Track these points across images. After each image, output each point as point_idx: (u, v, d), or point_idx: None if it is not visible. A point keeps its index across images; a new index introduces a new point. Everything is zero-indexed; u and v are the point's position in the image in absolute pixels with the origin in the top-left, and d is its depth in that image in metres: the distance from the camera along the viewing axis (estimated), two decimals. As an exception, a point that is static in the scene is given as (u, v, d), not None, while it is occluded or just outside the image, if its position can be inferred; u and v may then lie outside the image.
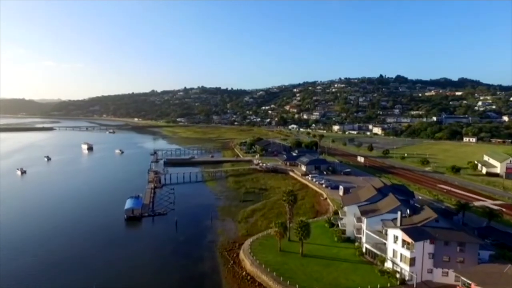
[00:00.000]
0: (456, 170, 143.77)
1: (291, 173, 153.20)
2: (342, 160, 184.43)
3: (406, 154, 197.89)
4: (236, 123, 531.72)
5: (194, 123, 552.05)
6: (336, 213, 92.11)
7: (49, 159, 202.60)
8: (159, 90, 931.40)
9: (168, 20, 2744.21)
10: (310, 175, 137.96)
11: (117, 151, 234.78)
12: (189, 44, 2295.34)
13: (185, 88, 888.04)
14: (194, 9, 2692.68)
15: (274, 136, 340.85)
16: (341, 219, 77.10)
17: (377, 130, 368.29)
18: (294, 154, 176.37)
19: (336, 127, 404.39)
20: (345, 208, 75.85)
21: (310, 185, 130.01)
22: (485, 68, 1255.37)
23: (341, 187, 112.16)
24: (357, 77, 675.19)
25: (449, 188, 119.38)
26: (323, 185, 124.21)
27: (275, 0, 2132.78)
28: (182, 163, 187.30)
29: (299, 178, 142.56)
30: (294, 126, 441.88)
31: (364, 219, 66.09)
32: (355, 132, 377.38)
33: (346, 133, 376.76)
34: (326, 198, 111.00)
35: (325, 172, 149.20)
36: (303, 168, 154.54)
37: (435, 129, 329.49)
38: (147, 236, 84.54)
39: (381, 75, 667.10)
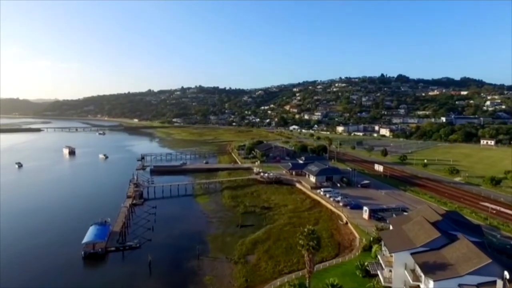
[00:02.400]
0: (496, 182, 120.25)
1: (298, 185, 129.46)
2: (355, 167, 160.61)
3: (425, 161, 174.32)
4: (234, 123, 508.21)
5: (190, 124, 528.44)
6: (366, 249, 68.60)
7: (20, 166, 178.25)
8: (156, 89, 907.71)
9: (167, 19, 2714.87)
10: (322, 189, 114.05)
11: (101, 156, 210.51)
12: (187, 43, 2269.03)
13: (182, 87, 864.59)
14: (193, 8, 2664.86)
15: (274, 138, 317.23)
16: (382, 268, 53.44)
17: (384, 131, 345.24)
18: (301, 162, 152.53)
19: (340, 128, 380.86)
20: (387, 251, 52.15)
21: (323, 202, 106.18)
22: (486, 68, 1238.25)
23: (365, 208, 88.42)
24: (358, 76, 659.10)
25: (497, 207, 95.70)
26: (340, 203, 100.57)
27: (274, 0, 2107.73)
28: (171, 171, 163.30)
29: (309, 192, 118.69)
30: (296, 127, 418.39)
31: (431, 282, 42.37)
32: (361, 134, 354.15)
33: (352, 134, 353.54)
34: (346, 223, 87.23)
35: (338, 184, 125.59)
36: (312, 179, 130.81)
37: (448, 130, 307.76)
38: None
39: (382, 74, 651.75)
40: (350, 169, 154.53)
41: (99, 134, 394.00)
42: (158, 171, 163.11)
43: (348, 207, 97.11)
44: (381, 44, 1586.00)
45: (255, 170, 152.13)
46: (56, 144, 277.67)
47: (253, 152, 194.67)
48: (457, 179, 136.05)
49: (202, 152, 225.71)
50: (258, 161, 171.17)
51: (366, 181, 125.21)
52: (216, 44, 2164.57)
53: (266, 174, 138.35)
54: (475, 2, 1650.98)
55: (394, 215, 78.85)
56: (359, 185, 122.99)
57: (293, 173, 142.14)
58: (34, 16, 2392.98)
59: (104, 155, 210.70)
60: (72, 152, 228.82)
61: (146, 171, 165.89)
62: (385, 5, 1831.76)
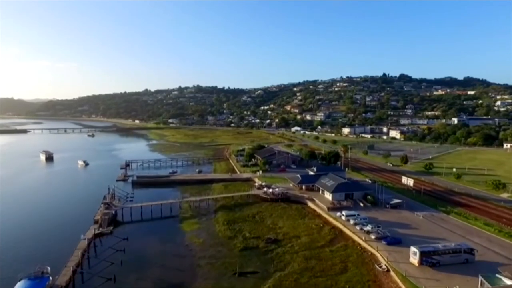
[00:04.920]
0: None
1: (310, 204, 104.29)
2: (376, 179, 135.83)
3: (455, 170, 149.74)
4: (232, 124, 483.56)
5: (187, 125, 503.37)
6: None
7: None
8: (153, 89, 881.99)
9: (166, 18, 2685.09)
10: (344, 212, 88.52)
11: (81, 162, 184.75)
12: (186, 42, 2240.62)
13: (179, 87, 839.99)
14: (192, 7, 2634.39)
15: (276, 140, 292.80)
16: None
17: (394, 133, 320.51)
18: (312, 173, 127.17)
19: (346, 130, 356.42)
20: None
21: (348, 232, 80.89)
22: (488, 67, 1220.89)
23: (414, 249, 62.89)
24: (359, 75, 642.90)
25: None
26: (372, 235, 75.41)
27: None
28: (157, 182, 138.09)
29: (325, 216, 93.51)
30: (298, 128, 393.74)
31: None
32: (368, 136, 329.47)
33: (359, 136, 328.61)
34: (388, 270, 62.09)
35: (361, 204, 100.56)
36: (328, 196, 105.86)
37: (464, 132, 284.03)
38: None
39: (384, 74, 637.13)
40: (369, 181, 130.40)
41: (88, 136, 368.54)
42: (141, 183, 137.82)
43: (384, 242, 72.07)
44: (381, 43, 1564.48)
45: (257, 183, 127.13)
46: (37, 147, 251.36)
47: (253, 159, 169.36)
48: (505, 195, 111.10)
49: (196, 158, 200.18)
50: (260, 171, 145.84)
51: (396, 200, 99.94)
52: (215, 43, 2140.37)
53: (271, 190, 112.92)
54: (475, 2, 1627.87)
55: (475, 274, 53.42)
56: (387, 205, 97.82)
57: (303, 187, 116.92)
58: (34, 15, 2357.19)
59: (84, 161, 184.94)
60: (49, 158, 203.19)
61: (128, 182, 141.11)
62: (385, 4, 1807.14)
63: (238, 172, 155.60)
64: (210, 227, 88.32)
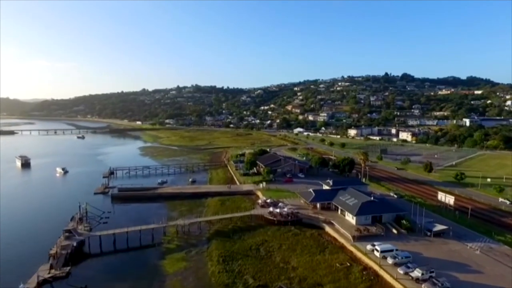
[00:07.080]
0: None
1: (328, 230, 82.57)
2: (400, 192, 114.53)
3: (489, 180, 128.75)
4: (232, 125, 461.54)
5: (184, 125, 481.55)
6: None
7: None
8: (151, 89, 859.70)
9: (165, 17, 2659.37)
10: (377, 247, 66.23)
11: (59, 170, 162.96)
12: (185, 41, 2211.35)
13: (178, 86, 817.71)
14: (191, 6, 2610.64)
15: (278, 143, 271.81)
16: None
17: (405, 135, 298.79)
18: (327, 187, 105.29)
19: (352, 132, 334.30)
20: None
21: (388, 278, 58.82)
22: (490, 67, 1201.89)
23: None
24: (360, 75, 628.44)
25: None
26: (424, 286, 53.85)
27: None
28: (141, 197, 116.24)
29: (351, 248, 71.63)
30: (300, 129, 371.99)
31: None
32: (377, 138, 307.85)
33: (367, 138, 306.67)
34: None
35: (394, 230, 79.06)
36: (350, 218, 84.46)
37: (482, 134, 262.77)
38: None
39: (386, 73, 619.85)
40: (394, 195, 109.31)
41: (78, 137, 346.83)
42: (122, 197, 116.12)
43: (444, 298, 50.75)
44: (381, 43, 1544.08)
45: (261, 199, 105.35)
46: (19, 151, 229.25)
47: (255, 167, 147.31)
48: None
49: (190, 165, 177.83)
50: (264, 182, 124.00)
51: (440, 226, 78.20)
52: (215, 43, 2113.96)
53: (278, 209, 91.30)
54: (475, 2, 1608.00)
55: None
56: (428, 233, 76.36)
57: (318, 205, 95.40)
58: (33, 15, 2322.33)
59: (63, 169, 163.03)
60: (25, 164, 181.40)
61: (108, 195, 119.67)
62: (385, 4, 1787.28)
63: (237, 182, 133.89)
64: (200, 266, 66.71)
